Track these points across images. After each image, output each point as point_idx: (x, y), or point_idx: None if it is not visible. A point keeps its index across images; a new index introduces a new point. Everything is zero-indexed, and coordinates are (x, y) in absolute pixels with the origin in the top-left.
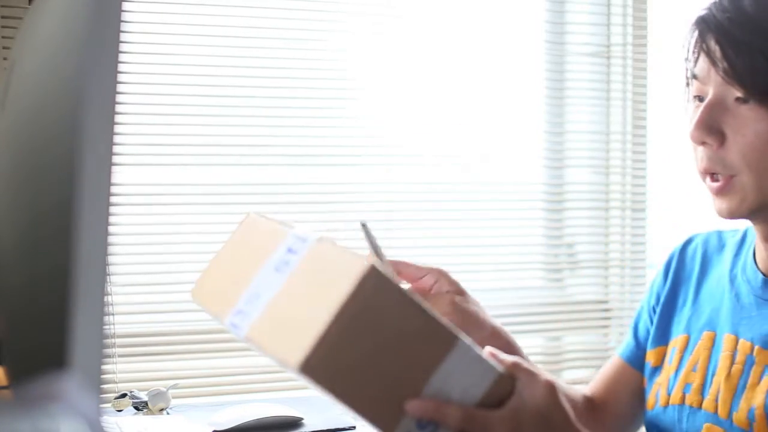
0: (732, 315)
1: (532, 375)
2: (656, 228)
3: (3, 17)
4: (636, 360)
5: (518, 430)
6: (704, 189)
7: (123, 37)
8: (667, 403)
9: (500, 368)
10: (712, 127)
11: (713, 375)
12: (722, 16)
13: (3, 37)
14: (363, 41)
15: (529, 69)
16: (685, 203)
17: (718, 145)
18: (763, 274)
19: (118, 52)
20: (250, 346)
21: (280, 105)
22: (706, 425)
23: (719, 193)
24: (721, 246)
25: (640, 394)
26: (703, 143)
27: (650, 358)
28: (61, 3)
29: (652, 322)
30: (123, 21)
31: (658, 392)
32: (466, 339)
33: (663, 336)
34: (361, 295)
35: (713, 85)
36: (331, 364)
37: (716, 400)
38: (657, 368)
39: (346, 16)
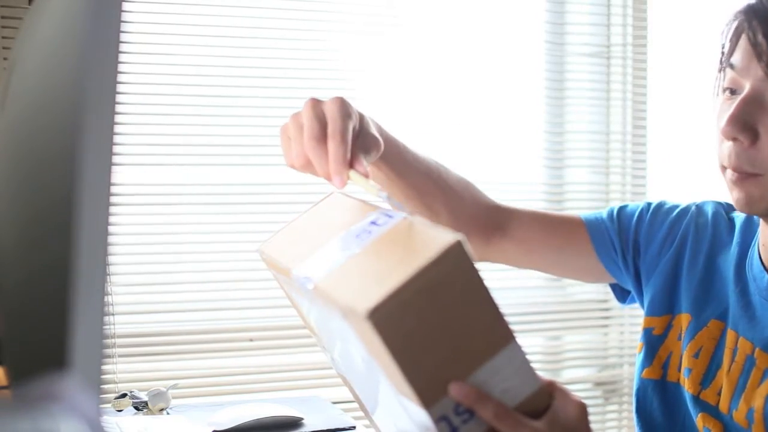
0: (734, 310)
1: (566, 395)
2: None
3: (3, 17)
4: (594, 227)
5: None
6: (703, 188)
7: (123, 37)
8: (677, 380)
9: (542, 381)
10: (746, 124)
11: (717, 368)
12: None
13: (3, 38)
14: (363, 42)
15: (529, 69)
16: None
17: (749, 143)
18: None
19: (118, 52)
20: (313, 299)
21: (279, 105)
22: (702, 415)
23: (740, 182)
24: (732, 225)
25: (569, 253)
26: (734, 139)
27: (653, 324)
28: (61, 3)
29: (628, 242)
30: (123, 21)
31: (667, 361)
32: (520, 342)
33: (669, 305)
34: (443, 263)
35: (752, 79)
36: (396, 321)
37: (718, 394)
38: (660, 336)
39: (345, 17)
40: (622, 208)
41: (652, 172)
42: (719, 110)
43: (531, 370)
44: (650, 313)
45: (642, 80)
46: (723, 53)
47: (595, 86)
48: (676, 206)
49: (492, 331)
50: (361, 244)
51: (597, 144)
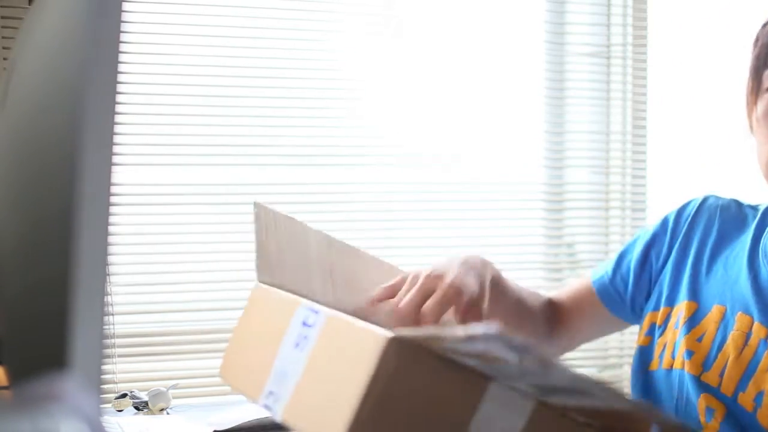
0: (748, 295)
1: None
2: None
3: (3, 17)
4: (605, 294)
5: None
6: (703, 187)
7: (123, 37)
8: (671, 366)
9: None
10: None
11: (719, 350)
12: None
13: (3, 38)
14: (363, 41)
15: (529, 69)
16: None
17: None
18: None
19: (118, 52)
20: (287, 426)
21: (280, 105)
22: (704, 395)
23: None
24: (742, 218)
25: (599, 322)
26: None
27: (655, 319)
28: (61, 3)
29: (634, 271)
30: (123, 21)
31: (662, 353)
32: (500, 380)
33: (670, 298)
34: (385, 370)
35: None
36: None
37: (720, 376)
38: (661, 327)
39: (346, 16)
40: (624, 253)
41: (652, 172)
42: (765, 111)
43: (516, 398)
44: (650, 309)
45: (642, 80)
46: (759, 57)
47: (595, 86)
48: (674, 212)
49: (465, 387)
50: (304, 357)
51: (597, 144)
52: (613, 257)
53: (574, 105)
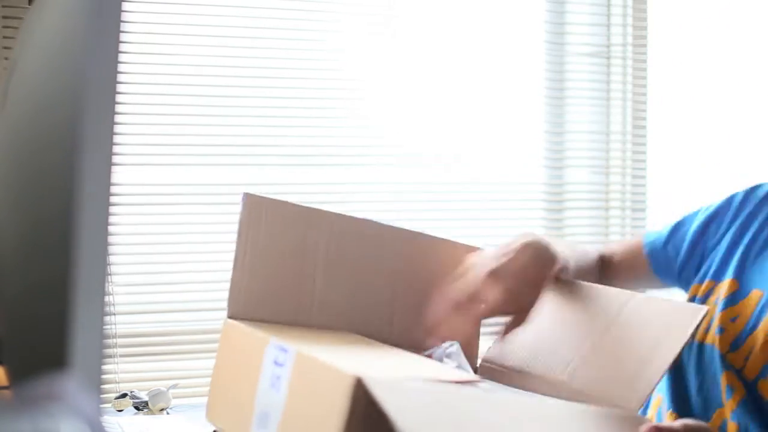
0: None
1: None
2: (656, 228)
3: (3, 17)
4: (654, 257)
5: None
6: (703, 188)
7: (123, 37)
8: (703, 340)
9: None
10: None
11: (749, 334)
12: None
13: (3, 37)
14: (363, 41)
15: (529, 69)
16: (685, 203)
17: None
18: None
19: (118, 52)
20: None
21: (280, 105)
22: (726, 373)
23: None
24: None
25: (643, 282)
26: None
27: (695, 291)
28: (61, 3)
29: (691, 241)
30: (123, 21)
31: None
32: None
33: (717, 273)
34: (358, 409)
35: None
36: None
37: (745, 359)
38: (701, 299)
39: (346, 17)
40: (681, 223)
41: (652, 172)
42: None
43: None
44: (695, 281)
45: (642, 80)
46: None
47: (595, 86)
48: (744, 191)
49: None
50: (281, 397)
51: (597, 144)
52: (668, 224)
53: (574, 105)
